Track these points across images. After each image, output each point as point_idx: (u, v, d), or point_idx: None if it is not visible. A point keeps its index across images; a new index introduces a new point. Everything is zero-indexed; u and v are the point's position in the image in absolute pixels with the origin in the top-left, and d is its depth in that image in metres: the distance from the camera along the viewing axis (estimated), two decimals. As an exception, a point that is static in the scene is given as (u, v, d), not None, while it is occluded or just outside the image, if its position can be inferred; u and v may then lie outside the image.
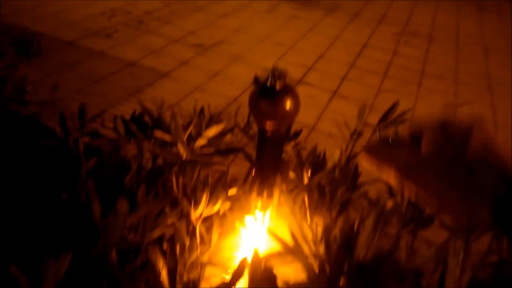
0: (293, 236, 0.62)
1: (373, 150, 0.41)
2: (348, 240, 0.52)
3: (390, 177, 0.40)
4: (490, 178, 0.35)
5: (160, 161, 1.13)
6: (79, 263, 0.64)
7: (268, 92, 0.62)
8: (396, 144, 0.40)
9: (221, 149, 0.94)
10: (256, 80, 0.63)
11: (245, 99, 1.36)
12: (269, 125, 0.64)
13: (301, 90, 1.52)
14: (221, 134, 0.98)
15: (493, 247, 1.01)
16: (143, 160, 1.08)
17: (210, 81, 2.73)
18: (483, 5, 5.06)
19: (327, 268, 0.54)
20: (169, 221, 0.91)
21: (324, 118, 2.64)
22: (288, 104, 0.62)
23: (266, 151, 0.67)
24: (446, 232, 0.92)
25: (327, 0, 4.35)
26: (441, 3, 4.87)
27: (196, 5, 3.64)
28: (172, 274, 0.63)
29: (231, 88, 2.73)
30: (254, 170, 0.75)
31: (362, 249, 0.56)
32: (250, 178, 0.98)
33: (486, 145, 0.37)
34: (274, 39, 3.31)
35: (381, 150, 0.40)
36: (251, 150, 1.24)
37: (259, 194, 0.78)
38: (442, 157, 0.37)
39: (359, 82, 3.03)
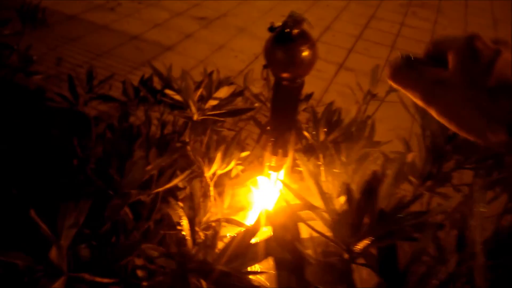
0: (320, 191, 0.61)
1: (397, 71, 0.39)
2: (371, 187, 0.51)
3: (414, 98, 0.39)
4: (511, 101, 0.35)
5: (169, 127, 1.11)
6: (96, 219, 0.63)
7: (285, 39, 0.60)
8: (420, 63, 0.39)
9: (232, 110, 0.92)
10: (271, 27, 0.61)
11: (250, 72, 1.32)
12: (285, 74, 0.62)
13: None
14: (232, 96, 0.96)
15: (509, 206, 1.00)
16: (153, 126, 1.06)
17: (215, 54, 2.70)
18: (493, -24, 4.94)
19: (350, 217, 0.53)
20: (181, 184, 0.91)
21: (331, 90, 2.61)
22: (305, 51, 0.59)
23: (282, 103, 0.65)
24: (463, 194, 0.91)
25: (333, -27, 4.25)
26: (449, -26, 4.75)
27: (199, -22, 3.56)
28: (192, 223, 0.63)
29: (236, 61, 2.69)
30: (268, 126, 0.73)
31: (385, 199, 0.55)
32: (262, 140, 0.97)
33: None
34: (278, 11, 3.25)
35: (405, 71, 0.39)
36: (262, 118, 1.22)
37: (274, 152, 0.76)
38: (467, 77, 0.36)
39: (366, 54, 2.98)
